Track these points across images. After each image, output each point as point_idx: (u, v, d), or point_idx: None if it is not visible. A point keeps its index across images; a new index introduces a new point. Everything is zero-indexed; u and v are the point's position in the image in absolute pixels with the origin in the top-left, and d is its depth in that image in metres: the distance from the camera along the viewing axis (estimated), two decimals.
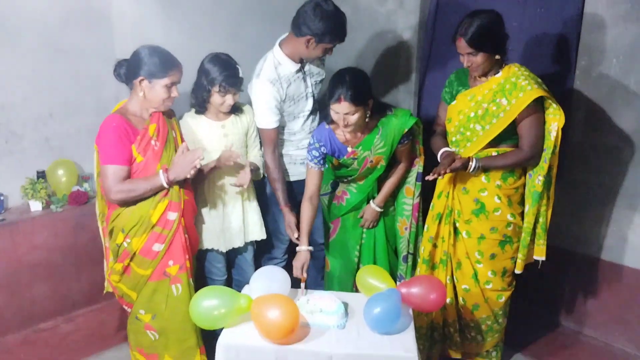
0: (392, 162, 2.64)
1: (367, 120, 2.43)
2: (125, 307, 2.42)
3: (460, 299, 2.60)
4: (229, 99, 2.55)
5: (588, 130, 2.87)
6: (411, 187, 2.71)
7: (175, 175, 2.23)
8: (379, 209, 2.68)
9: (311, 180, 2.61)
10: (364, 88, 2.37)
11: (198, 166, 2.24)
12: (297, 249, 2.57)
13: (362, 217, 2.71)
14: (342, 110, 2.33)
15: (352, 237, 2.75)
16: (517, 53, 2.89)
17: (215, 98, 2.54)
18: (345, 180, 2.70)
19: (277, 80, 2.61)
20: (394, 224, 2.77)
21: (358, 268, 2.74)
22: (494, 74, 2.38)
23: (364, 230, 2.74)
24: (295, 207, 2.92)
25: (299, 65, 2.67)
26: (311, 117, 2.80)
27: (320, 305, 2.15)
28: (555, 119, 2.31)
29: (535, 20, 2.88)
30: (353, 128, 2.41)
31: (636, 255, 2.84)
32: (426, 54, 3.30)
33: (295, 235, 2.68)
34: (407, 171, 2.69)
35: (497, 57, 2.33)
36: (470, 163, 2.37)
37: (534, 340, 3.06)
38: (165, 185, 2.23)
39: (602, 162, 2.86)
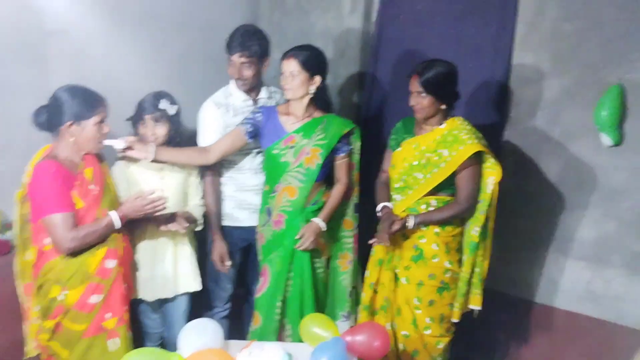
0: (329, 182, 2.63)
1: (309, 94, 2.48)
2: None
3: (400, 345, 2.61)
4: (157, 130, 2.50)
5: (517, 178, 2.99)
6: (350, 219, 2.72)
7: (126, 212, 2.17)
8: (322, 225, 2.52)
9: (228, 136, 2.58)
10: (317, 59, 2.48)
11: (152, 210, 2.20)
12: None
13: (300, 237, 2.50)
14: (287, 68, 2.42)
15: (277, 289, 2.54)
16: None
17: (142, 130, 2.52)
18: (275, 191, 2.57)
19: (223, 106, 2.67)
20: (327, 274, 2.70)
21: (281, 326, 2.57)
22: (439, 125, 2.46)
23: (290, 282, 2.54)
24: (239, 253, 2.85)
25: (250, 98, 2.71)
26: (260, 155, 2.76)
27: (263, 358, 2.08)
28: (492, 173, 2.41)
29: (467, 74, 3.02)
30: (292, 93, 2.45)
31: (565, 297, 2.96)
32: (365, 105, 3.39)
33: (228, 263, 2.67)
34: (344, 203, 2.67)
35: (443, 106, 2.41)
36: (408, 222, 2.42)
37: None
38: (118, 224, 2.16)
39: (531, 208, 2.99)
